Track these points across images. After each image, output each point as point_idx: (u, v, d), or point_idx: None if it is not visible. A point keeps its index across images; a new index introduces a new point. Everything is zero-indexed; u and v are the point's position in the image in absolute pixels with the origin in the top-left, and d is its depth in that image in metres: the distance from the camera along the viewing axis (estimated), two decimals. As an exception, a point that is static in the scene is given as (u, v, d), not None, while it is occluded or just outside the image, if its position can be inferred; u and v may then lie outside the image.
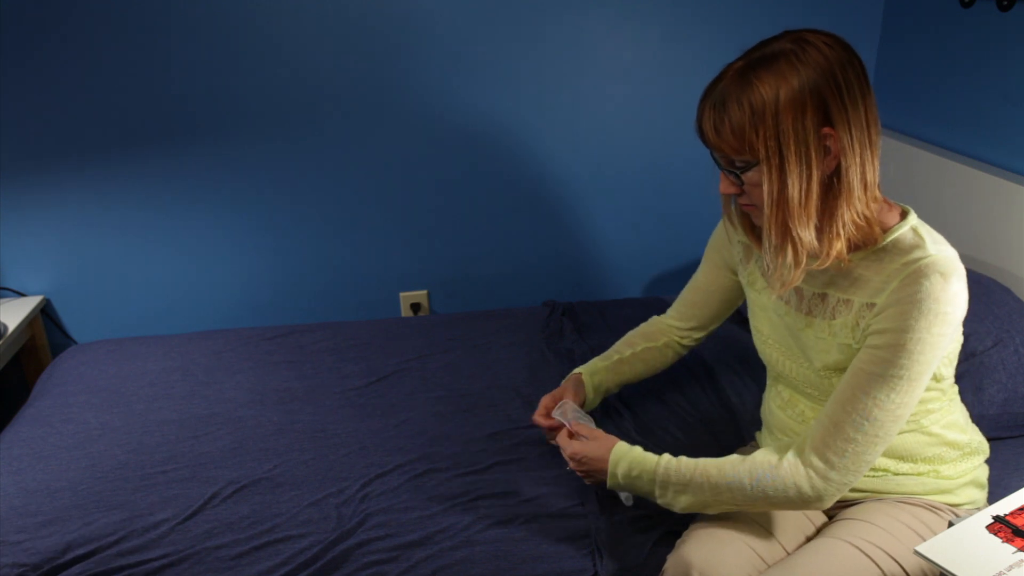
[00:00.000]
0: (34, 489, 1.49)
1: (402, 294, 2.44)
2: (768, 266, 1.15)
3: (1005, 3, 1.81)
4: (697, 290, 1.51)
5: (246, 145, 2.19)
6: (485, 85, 2.22)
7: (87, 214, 2.18)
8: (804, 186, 1.06)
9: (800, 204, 1.07)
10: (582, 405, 1.47)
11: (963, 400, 1.50)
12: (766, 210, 1.09)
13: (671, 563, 1.19)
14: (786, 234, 1.09)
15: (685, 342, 1.56)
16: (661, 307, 2.17)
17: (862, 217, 1.10)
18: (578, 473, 1.34)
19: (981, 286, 1.68)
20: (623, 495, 1.32)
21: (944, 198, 1.98)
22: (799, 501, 1.13)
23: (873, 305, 1.11)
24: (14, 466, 1.57)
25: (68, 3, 1.98)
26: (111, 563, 1.32)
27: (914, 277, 1.07)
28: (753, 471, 1.14)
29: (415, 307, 2.44)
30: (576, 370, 1.52)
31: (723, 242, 1.44)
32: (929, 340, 1.06)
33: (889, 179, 2.19)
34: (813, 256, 1.12)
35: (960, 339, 1.21)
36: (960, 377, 1.54)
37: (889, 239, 1.13)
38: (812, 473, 1.12)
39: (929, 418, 1.22)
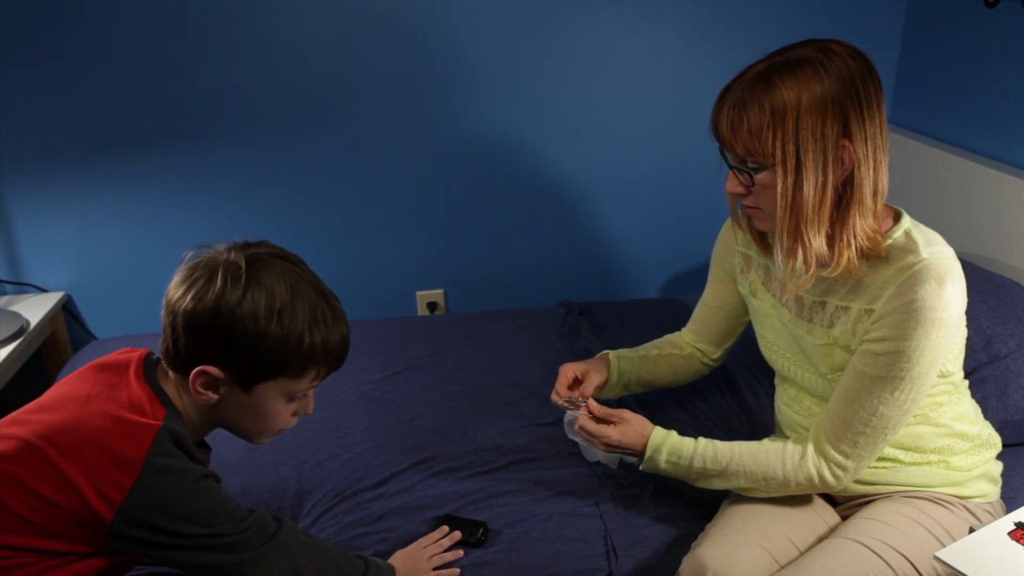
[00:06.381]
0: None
1: (419, 293, 2.44)
2: (779, 269, 1.16)
3: (1031, 2, 1.78)
4: (705, 306, 1.50)
5: (265, 144, 2.20)
6: (503, 85, 2.21)
7: (108, 210, 2.20)
8: (819, 192, 1.08)
9: (814, 209, 1.09)
10: (603, 384, 1.45)
11: (987, 406, 1.49)
12: (779, 212, 1.10)
13: (686, 565, 1.19)
14: (797, 238, 1.11)
15: (704, 360, 1.54)
16: (678, 308, 2.17)
17: (871, 228, 1.12)
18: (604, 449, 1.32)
19: (1005, 289, 1.65)
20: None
21: (970, 201, 1.95)
22: (822, 487, 1.21)
23: (871, 311, 1.14)
24: (34, 459, 1.58)
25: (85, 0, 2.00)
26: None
27: (909, 284, 1.09)
28: (785, 461, 1.21)
29: (431, 306, 2.45)
30: (605, 351, 1.50)
31: (724, 252, 1.44)
32: (928, 345, 1.09)
33: (914, 182, 2.17)
34: (822, 263, 1.13)
35: (964, 332, 1.22)
36: (983, 381, 1.52)
37: (885, 244, 1.14)
38: (832, 464, 1.19)
39: (938, 411, 1.23)
